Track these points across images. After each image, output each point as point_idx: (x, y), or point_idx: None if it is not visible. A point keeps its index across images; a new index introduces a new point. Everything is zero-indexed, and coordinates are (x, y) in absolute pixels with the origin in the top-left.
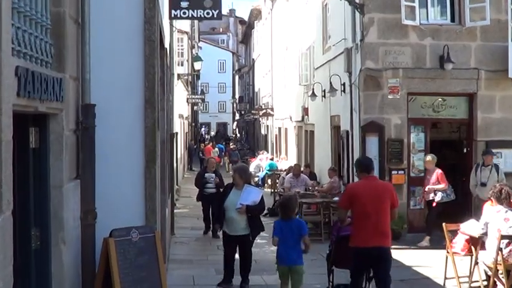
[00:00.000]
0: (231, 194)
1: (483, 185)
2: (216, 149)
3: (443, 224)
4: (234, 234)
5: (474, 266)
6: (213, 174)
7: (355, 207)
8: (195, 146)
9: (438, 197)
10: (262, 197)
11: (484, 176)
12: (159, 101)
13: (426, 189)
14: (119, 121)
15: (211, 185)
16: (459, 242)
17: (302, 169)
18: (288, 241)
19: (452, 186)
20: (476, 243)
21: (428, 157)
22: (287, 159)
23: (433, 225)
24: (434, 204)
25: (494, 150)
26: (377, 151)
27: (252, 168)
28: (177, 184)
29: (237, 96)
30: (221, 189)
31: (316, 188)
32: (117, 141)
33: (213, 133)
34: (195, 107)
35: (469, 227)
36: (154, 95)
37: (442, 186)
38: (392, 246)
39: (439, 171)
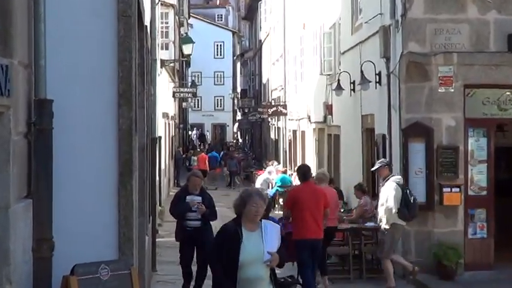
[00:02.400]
0: (246, 240)
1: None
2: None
3: None
4: None
5: None
6: (199, 197)
7: (297, 207)
8: (183, 155)
9: None
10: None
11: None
12: (137, 96)
13: None
14: (84, 122)
15: (195, 214)
16: None
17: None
18: None
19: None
20: None
21: (320, 173)
22: None
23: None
24: None
25: None
26: (423, 162)
27: (258, 183)
28: (160, 205)
29: (238, 90)
30: (209, 220)
31: (342, 211)
32: (82, 149)
33: (194, 136)
34: (184, 104)
35: None
36: (130, 87)
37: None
38: None
39: None
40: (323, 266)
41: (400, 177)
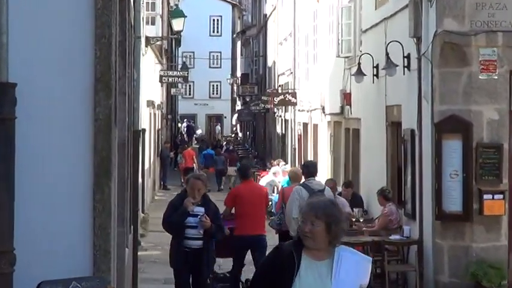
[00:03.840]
0: (304, 272)
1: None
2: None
3: None
4: None
5: None
6: (200, 208)
7: (239, 205)
8: (171, 153)
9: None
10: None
11: None
12: (117, 80)
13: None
14: (53, 111)
15: (195, 231)
16: None
17: (340, 189)
18: None
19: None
20: None
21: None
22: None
23: None
24: None
25: None
26: (459, 163)
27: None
28: (143, 211)
29: (238, 74)
30: (214, 238)
31: (361, 220)
32: (50, 143)
33: (184, 129)
34: (173, 90)
35: None
36: (109, 70)
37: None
38: None
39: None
40: None
41: (314, 181)
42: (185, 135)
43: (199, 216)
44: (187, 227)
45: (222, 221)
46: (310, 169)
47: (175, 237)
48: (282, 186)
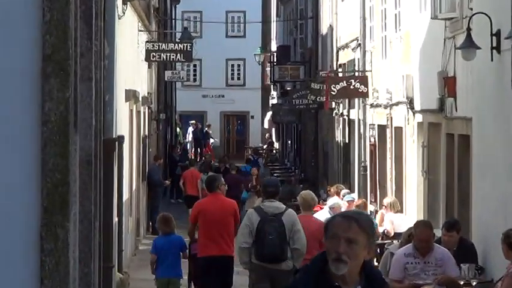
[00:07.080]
0: None
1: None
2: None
3: None
4: None
5: None
6: None
7: (202, 222)
8: (166, 182)
9: None
10: None
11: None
12: (78, 60)
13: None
14: None
15: None
16: None
17: (437, 234)
18: (168, 255)
19: None
20: None
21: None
22: (400, 209)
23: None
24: None
25: None
26: None
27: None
28: (119, 269)
29: (273, 48)
30: None
31: (474, 284)
32: None
33: (189, 137)
34: (169, 74)
35: None
36: (66, 43)
37: None
38: None
39: None
40: None
41: (270, 203)
42: (191, 147)
43: None
44: None
45: None
46: (268, 189)
47: None
48: None
